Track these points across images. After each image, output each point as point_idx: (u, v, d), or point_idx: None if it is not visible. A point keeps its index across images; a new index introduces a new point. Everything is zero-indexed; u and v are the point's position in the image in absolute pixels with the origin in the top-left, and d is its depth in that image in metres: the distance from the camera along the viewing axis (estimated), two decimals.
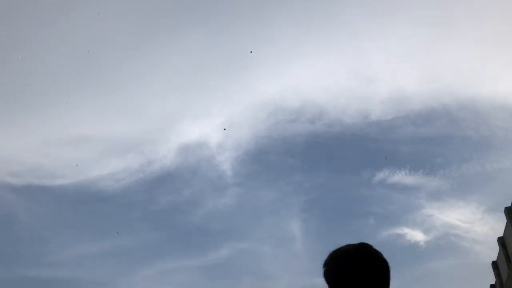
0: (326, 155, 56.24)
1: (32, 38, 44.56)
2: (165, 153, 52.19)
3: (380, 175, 49.33)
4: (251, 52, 41.63)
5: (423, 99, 49.80)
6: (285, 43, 48.89)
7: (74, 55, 44.86)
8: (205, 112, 53.22)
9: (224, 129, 48.46)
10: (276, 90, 54.19)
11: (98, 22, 39.87)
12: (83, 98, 48.48)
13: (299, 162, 55.55)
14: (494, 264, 22.48)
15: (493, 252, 22.53)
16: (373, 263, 1.94)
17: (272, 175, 55.82)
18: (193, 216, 56.58)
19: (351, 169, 56.16)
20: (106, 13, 42.17)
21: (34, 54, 44.61)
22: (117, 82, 51.02)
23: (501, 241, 20.62)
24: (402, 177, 47.69)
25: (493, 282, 23.53)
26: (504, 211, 19.26)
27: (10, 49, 43.16)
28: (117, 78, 50.20)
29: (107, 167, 54.62)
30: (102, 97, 50.75)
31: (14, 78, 44.76)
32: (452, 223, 49.00)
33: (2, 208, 51.84)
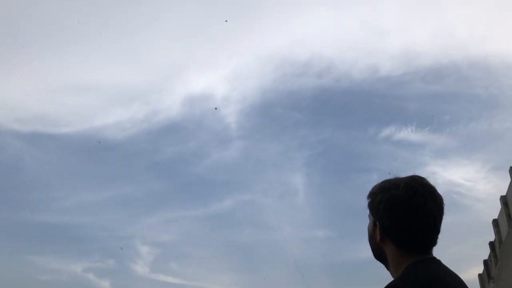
0: (333, 110, 55.97)
1: None
2: (170, 103, 52.10)
3: (386, 132, 49.24)
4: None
5: (434, 55, 48.97)
6: None
7: (78, 5, 43.97)
8: (211, 62, 52.68)
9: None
10: (284, 42, 53.32)
11: None
12: (88, 47, 47.86)
13: (304, 116, 55.37)
14: (495, 222, 22.65)
15: (494, 210, 22.66)
16: (434, 194, 1.68)
17: (277, 129, 55.80)
18: (197, 167, 57.07)
19: (357, 125, 56.01)
20: None
21: (38, 3, 43.74)
22: (123, 30, 50.21)
23: (504, 199, 20.67)
24: (408, 134, 47.58)
25: (492, 240, 23.78)
26: (509, 170, 19.17)
27: None
28: (123, 27, 49.32)
29: (112, 116, 54.74)
30: (107, 45, 50.06)
31: (19, 25, 44.10)
32: (456, 181, 49.23)
33: (9, 154, 52.39)
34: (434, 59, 49.03)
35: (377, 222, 1.70)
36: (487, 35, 50.11)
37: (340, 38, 51.90)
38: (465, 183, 51.60)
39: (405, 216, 1.64)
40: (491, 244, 24.19)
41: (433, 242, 1.68)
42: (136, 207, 58.84)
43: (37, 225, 55.39)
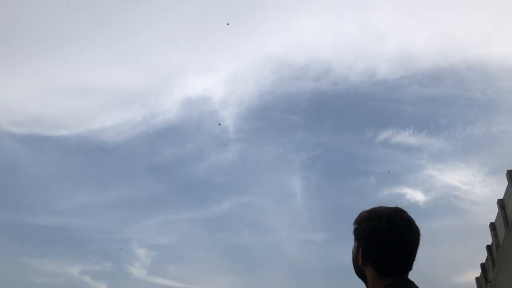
0: (330, 113, 55.97)
1: None
2: (169, 106, 52.12)
3: (384, 135, 49.35)
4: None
5: (431, 58, 49.10)
6: None
7: (77, 5, 43.98)
8: (209, 65, 52.68)
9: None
10: (282, 45, 53.40)
11: None
12: (87, 49, 47.87)
13: (302, 119, 55.39)
14: (492, 226, 22.67)
15: (491, 214, 22.70)
16: (411, 227, 1.92)
17: (275, 132, 55.82)
18: (195, 170, 57.01)
19: (354, 128, 56.10)
20: None
21: (37, 3, 43.70)
22: (121, 33, 50.19)
23: (501, 203, 20.69)
24: (405, 137, 47.63)
25: (489, 243, 23.81)
26: (506, 174, 19.22)
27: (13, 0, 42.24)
28: (121, 29, 49.34)
29: (110, 119, 54.72)
30: (105, 47, 50.02)
31: (18, 27, 44.03)
32: (453, 184, 49.30)
33: (6, 157, 52.25)
34: (432, 62, 49.26)
35: (360, 248, 1.93)
36: (484, 38, 50.31)
37: (337, 42, 52.07)
38: (462, 186, 51.73)
39: (384, 246, 1.87)
40: (489, 248, 24.22)
41: (409, 267, 1.90)
42: (133, 210, 58.77)
43: (34, 227, 55.31)
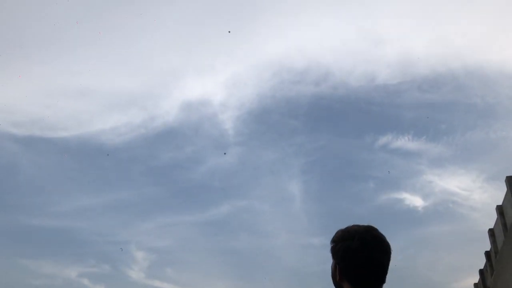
0: (330, 118, 56.02)
1: None
2: (168, 109, 52.12)
3: (383, 140, 49.34)
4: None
5: (431, 63, 49.18)
6: (292, 1, 47.77)
7: (77, 6, 44.01)
8: (209, 68, 52.74)
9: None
10: (281, 49, 53.45)
11: None
12: (86, 51, 47.89)
13: (301, 123, 55.43)
14: (491, 232, 22.65)
15: (489, 220, 22.69)
16: (382, 244, 2.09)
17: (274, 136, 55.84)
18: (194, 173, 57.00)
19: (354, 133, 56.10)
20: None
21: (38, 4, 43.78)
22: (120, 35, 50.24)
23: (500, 209, 20.68)
24: (405, 143, 47.66)
25: (488, 249, 23.78)
26: (505, 180, 19.21)
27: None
28: (120, 31, 49.40)
29: (109, 121, 54.73)
30: (105, 50, 50.09)
31: (18, 27, 44.08)
32: (452, 190, 49.31)
33: (5, 158, 52.21)
34: (431, 67, 49.28)
35: (337, 265, 2.10)
36: (483, 44, 50.42)
37: (337, 47, 52.12)
38: (461, 192, 51.68)
39: (357, 263, 2.04)
40: (487, 254, 24.19)
41: (382, 281, 2.07)
42: (132, 212, 58.69)
43: (32, 228, 55.18)
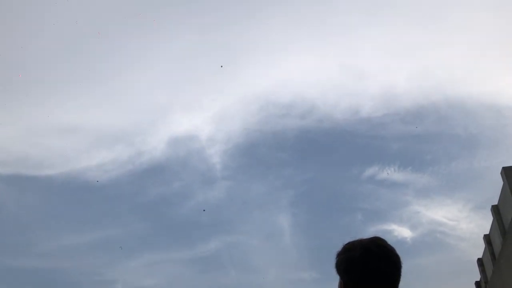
0: (316, 150, 56.29)
1: (19, 27, 43.93)
2: (155, 144, 51.92)
3: (370, 171, 49.51)
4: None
5: (413, 96, 50.03)
6: (277, 38, 48.73)
7: (62, 44, 44.39)
8: (195, 104, 52.98)
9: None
10: (267, 84, 54.10)
11: (86, 12, 39.45)
12: (71, 88, 47.93)
13: (289, 156, 55.55)
14: (480, 261, 22.68)
15: (477, 249, 22.74)
16: (389, 255, 1.90)
17: (262, 169, 55.78)
18: (182, 209, 56.44)
19: (340, 165, 56.26)
20: (94, 3, 41.73)
21: (22, 43, 44.03)
22: (106, 72, 50.58)
23: (487, 238, 20.79)
24: (391, 174, 47.88)
25: (478, 279, 23.76)
26: (491, 209, 19.39)
27: None
28: (106, 68, 49.74)
29: (95, 158, 54.09)
30: (91, 87, 50.22)
31: (1, 67, 44.15)
32: (439, 220, 49.39)
33: None
34: (413, 100, 50.03)
35: (341, 280, 1.93)
36: (464, 76, 51.61)
37: (321, 81, 52.78)
38: (448, 222, 51.71)
39: (361, 274, 1.86)
40: (477, 284, 24.13)
41: None
42: (119, 250, 57.63)
43: (16, 270, 53.76)
